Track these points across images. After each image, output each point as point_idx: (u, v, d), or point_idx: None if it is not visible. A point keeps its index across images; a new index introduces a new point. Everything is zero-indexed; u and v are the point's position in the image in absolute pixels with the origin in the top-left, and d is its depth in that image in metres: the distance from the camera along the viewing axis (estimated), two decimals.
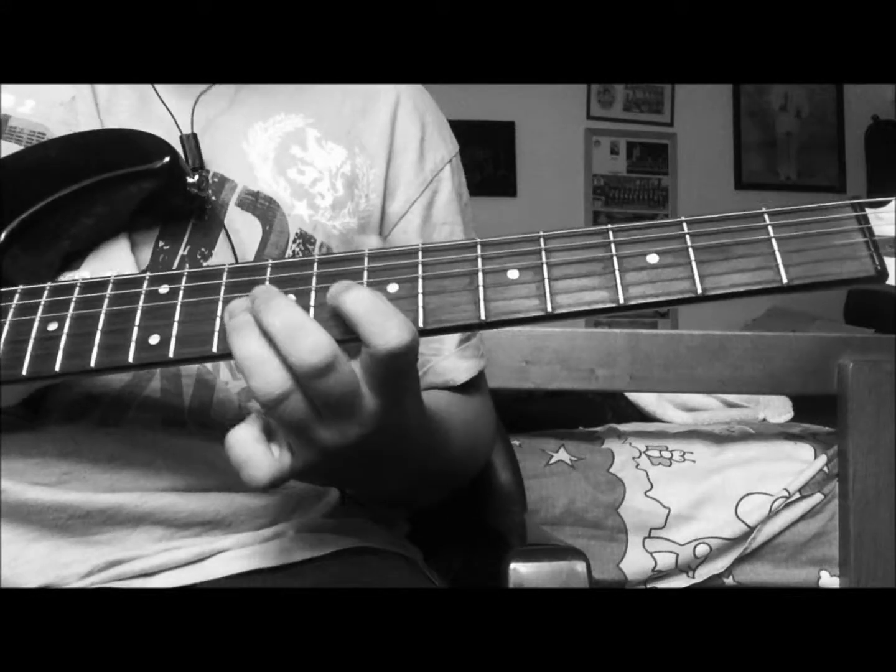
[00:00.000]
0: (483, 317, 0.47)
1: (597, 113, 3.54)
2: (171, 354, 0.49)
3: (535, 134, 3.46)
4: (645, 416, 1.76)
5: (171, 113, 0.66)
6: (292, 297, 0.48)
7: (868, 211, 0.46)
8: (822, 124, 3.67)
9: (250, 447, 0.47)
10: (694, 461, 1.50)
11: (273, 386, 0.45)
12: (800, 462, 1.48)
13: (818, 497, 1.45)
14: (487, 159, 3.42)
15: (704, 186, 3.53)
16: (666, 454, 1.51)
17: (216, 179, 0.66)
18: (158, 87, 0.67)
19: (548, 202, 3.43)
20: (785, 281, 0.46)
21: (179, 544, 0.62)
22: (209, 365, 0.64)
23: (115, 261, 0.61)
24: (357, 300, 0.45)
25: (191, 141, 0.64)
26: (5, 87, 0.64)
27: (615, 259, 0.47)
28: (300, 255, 0.67)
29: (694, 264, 0.47)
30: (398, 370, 0.47)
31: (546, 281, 0.47)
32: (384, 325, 0.45)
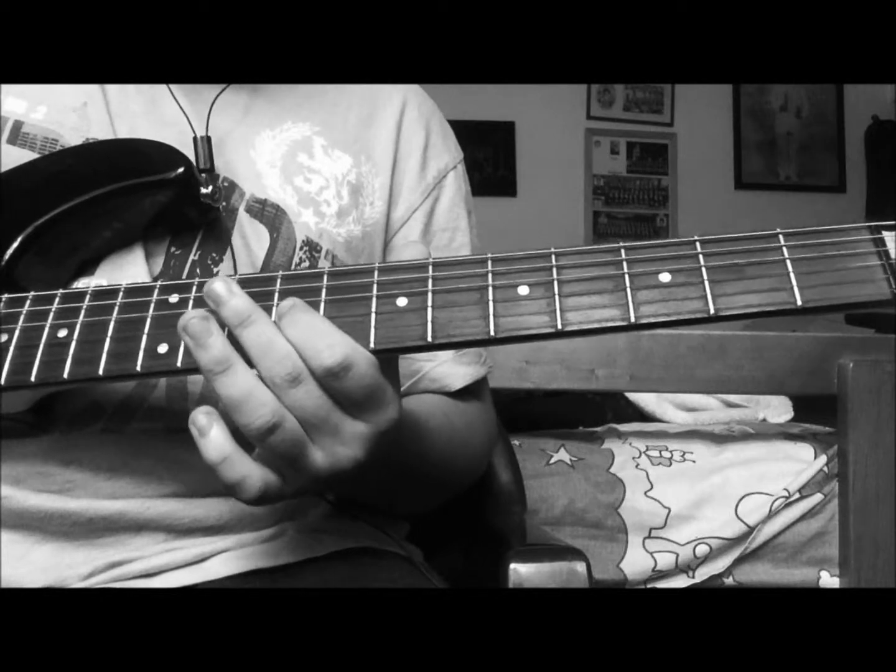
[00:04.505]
0: (492, 332, 0.47)
1: (597, 113, 3.54)
2: (178, 364, 0.48)
3: (535, 134, 3.46)
4: (645, 416, 1.76)
5: (185, 114, 0.66)
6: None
7: (885, 234, 0.45)
8: (822, 124, 3.67)
9: (241, 466, 0.46)
10: (694, 461, 1.50)
11: (263, 415, 0.45)
12: (800, 462, 1.48)
13: (818, 497, 1.45)
14: (487, 159, 3.42)
15: (704, 186, 3.53)
16: (666, 454, 1.51)
17: (226, 184, 0.66)
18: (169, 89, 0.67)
19: (548, 202, 3.43)
20: (799, 303, 0.45)
21: (181, 545, 0.62)
22: None
23: (129, 267, 0.61)
24: (292, 324, 0.46)
25: (204, 143, 0.64)
26: (18, 92, 0.64)
27: (627, 277, 0.47)
28: (306, 262, 0.67)
29: (707, 284, 0.46)
30: (353, 389, 0.46)
31: (556, 297, 0.47)
32: (316, 346, 0.45)
